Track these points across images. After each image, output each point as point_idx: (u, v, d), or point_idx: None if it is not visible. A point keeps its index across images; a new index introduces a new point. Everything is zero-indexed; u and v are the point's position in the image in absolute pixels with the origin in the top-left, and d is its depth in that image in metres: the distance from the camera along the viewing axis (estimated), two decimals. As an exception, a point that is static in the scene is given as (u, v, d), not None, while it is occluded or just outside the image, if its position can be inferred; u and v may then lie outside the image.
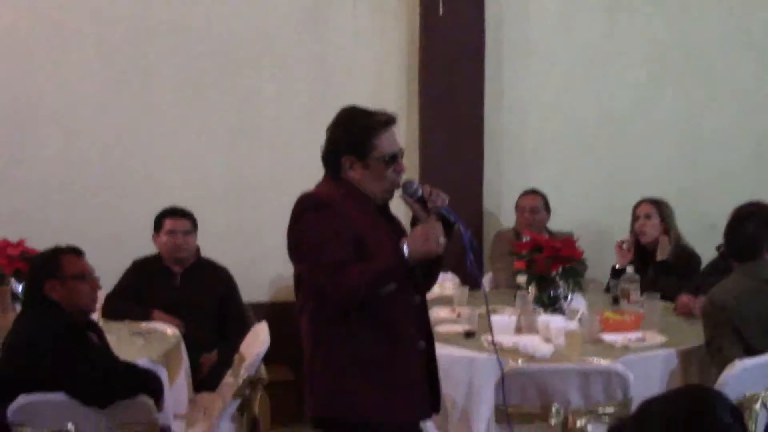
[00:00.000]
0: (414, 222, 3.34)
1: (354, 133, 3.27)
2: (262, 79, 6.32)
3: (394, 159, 3.29)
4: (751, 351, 4.08)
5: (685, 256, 5.73)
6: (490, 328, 3.70)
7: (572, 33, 6.77)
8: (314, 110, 6.23)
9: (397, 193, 3.36)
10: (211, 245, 5.74)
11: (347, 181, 3.28)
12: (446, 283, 5.57)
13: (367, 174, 3.27)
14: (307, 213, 3.20)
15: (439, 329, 4.49)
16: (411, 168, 6.40)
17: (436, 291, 5.35)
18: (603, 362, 3.99)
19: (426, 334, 3.39)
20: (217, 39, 6.25)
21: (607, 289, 5.68)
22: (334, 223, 3.15)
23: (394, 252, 3.11)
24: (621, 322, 4.57)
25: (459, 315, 4.88)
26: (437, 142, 6.39)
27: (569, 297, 4.81)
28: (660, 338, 4.43)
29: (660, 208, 5.86)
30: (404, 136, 6.41)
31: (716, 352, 4.15)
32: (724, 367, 3.99)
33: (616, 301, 5.18)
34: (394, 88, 6.47)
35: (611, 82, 6.85)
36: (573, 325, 4.43)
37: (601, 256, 6.06)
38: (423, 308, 3.40)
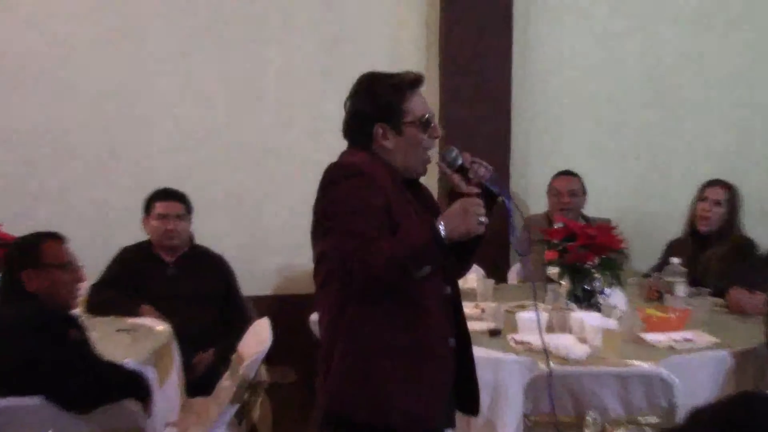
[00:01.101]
0: (451, 196, 3.27)
1: (383, 97, 3.23)
2: (266, 44, 6.30)
3: (428, 123, 3.24)
4: None
5: (741, 245, 5.67)
6: (540, 332, 3.66)
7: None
8: (323, 78, 6.23)
9: (434, 161, 3.32)
10: (205, 228, 5.74)
11: (374, 152, 3.24)
12: (469, 276, 5.53)
13: (402, 141, 3.23)
14: (335, 183, 3.14)
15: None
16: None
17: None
18: (645, 365, 3.96)
19: (458, 331, 3.32)
20: (212, 5, 6.23)
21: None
22: (366, 192, 3.08)
23: (427, 230, 3.02)
24: (665, 320, 4.53)
25: (483, 311, 4.85)
26: (459, 117, 6.36)
27: (607, 291, 4.78)
28: (709, 338, 4.39)
29: (732, 196, 5.75)
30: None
31: None
32: None
33: (659, 296, 5.14)
34: (412, 56, 6.46)
35: (656, 39, 6.78)
36: (611, 323, 4.40)
37: (642, 246, 6.03)
38: (455, 301, 3.34)
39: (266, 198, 6.30)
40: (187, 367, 5.05)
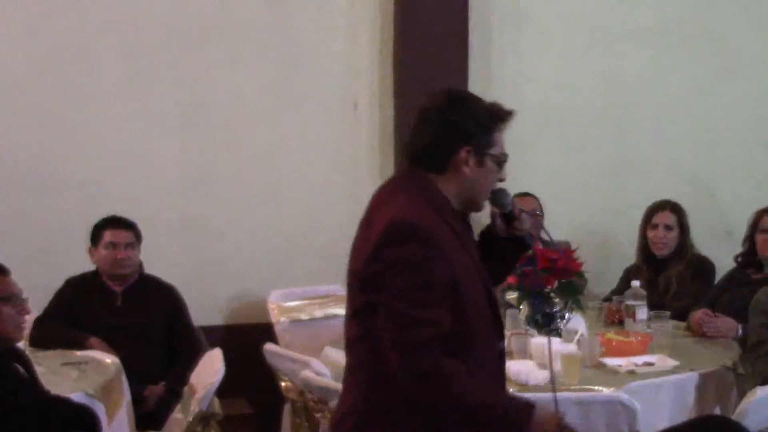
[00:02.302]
0: (485, 235, 3.26)
1: (480, 120, 3.05)
2: (215, 59, 6.28)
3: (504, 161, 3.10)
4: None
5: (697, 265, 5.76)
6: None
7: (572, 3, 6.77)
8: (276, 99, 6.23)
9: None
10: (156, 256, 5.74)
11: (434, 188, 3.02)
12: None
13: (481, 173, 3.05)
14: (398, 246, 2.88)
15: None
16: (387, 161, 6.42)
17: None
18: (606, 391, 4.00)
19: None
20: (164, 14, 6.21)
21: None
22: (435, 265, 2.87)
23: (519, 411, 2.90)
24: (626, 345, 4.59)
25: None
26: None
27: (567, 316, 4.81)
28: (671, 362, 4.45)
29: (681, 216, 5.85)
30: (377, 123, 6.43)
31: (762, 358, 4.25)
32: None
33: (620, 320, 5.19)
34: (367, 74, 6.46)
35: (617, 57, 6.84)
36: (571, 348, 4.43)
37: (604, 269, 6.09)
38: (503, 358, 3.19)
39: (218, 225, 6.28)
40: (137, 400, 5.03)
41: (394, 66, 6.44)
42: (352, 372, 3.06)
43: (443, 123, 3.04)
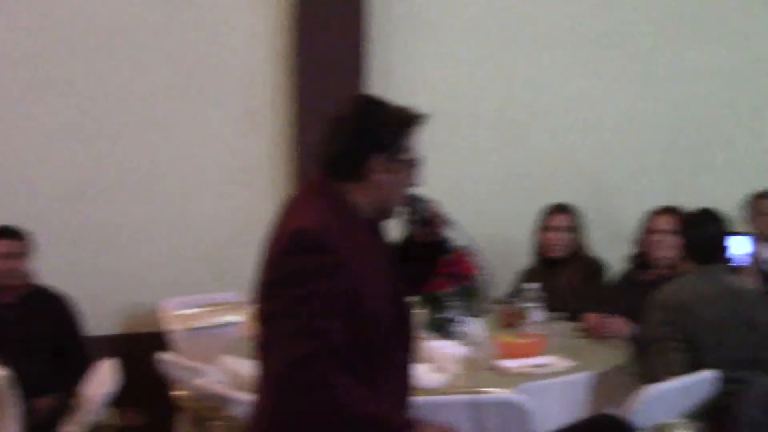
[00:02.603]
0: (404, 241, 3.26)
1: (391, 127, 3.05)
2: (112, 65, 6.21)
3: (416, 165, 3.12)
4: (695, 363, 4.39)
5: (590, 266, 5.85)
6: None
7: (468, 7, 6.82)
8: (172, 99, 6.19)
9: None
10: (49, 265, 5.66)
11: (344, 197, 3.02)
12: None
13: (392, 179, 3.05)
14: (299, 255, 2.88)
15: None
16: (285, 170, 6.40)
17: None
18: (500, 392, 4.03)
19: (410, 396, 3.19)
20: (62, 20, 6.13)
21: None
22: (333, 276, 2.84)
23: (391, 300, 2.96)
24: (521, 346, 4.64)
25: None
26: (315, 137, 6.34)
27: (464, 319, 4.86)
28: (565, 363, 4.51)
29: (575, 219, 5.95)
30: (275, 131, 6.42)
31: (659, 356, 4.35)
32: (659, 371, 4.30)
33: (516, 322, 5.24)
34: (263, 76, 6.43)
35: (514, 62, 6.91)
36: (468, 351, 4.47)
37: (504, 272, 6.16)
38: (409, 369, 3.17)
39: (112, 233, 6.21)
40: (28, 413, 4.96)
41: (292, 73, 6.44)
42: (263, 378, 3.02)
43: (355, 131, 3.04)
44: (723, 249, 4.78)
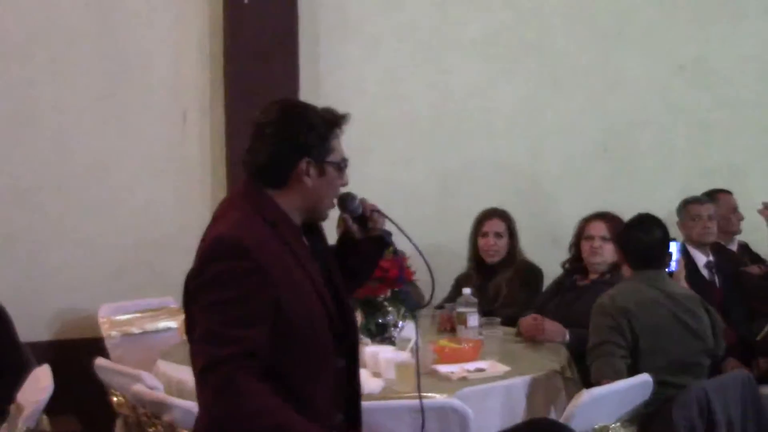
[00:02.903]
0: (345, 242, 3.29)
1: (316, 130, 3.05)
2: (39, 69, 6.14)
3: (344, 166, 3.13)
4: (634, 367, 4.49)
5: (525, 271, 5.90)
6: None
7: (399, 13, 6.85)
8: (102, 103, 6.14)
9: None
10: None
11: (271, 203, 3.03)
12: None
13: (322, 182, 3.05)
14: (218, 262, 2.90)
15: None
16: (218, 174, 6.39)
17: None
18: (438, 397, 4.06)
19: (348, 402, 3.16)
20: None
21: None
22: (254, 282, 2.86)
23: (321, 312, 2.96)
24: (458, 351, 4.67)
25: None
26: (246, 142, 6.32)
27: (400, 324, 4.88)
28: (502, 367, 4.54)
29: (509, 224, 5.99)
30: (207, 135, 6.40)
31: (601, 358, 4.46)
32: (607, 375, 4.40)
33: (452, 327, 5.27)
34: (195, 87, 6.42)
35: (445, 69, 6.96)
36: (404, 355, 4.49)
37: (439, 275, 6.18)
38: (349, 373, 3.15)
39: (44, 238, 6.14)
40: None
41: (224, 77, 6.42)
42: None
43: (279, 137, 3.04)
44: (663, 255, 4.85)
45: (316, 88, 6.60)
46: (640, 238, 4.78)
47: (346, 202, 3.21)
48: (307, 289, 3.00)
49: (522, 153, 7.12)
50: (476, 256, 6.02)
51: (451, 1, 6.96)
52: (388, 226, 3.37)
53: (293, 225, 3.06)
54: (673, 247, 5.12)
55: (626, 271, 4.93)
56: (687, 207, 6.28)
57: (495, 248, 5.92)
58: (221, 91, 6.42)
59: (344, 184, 3.15)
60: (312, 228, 3.19)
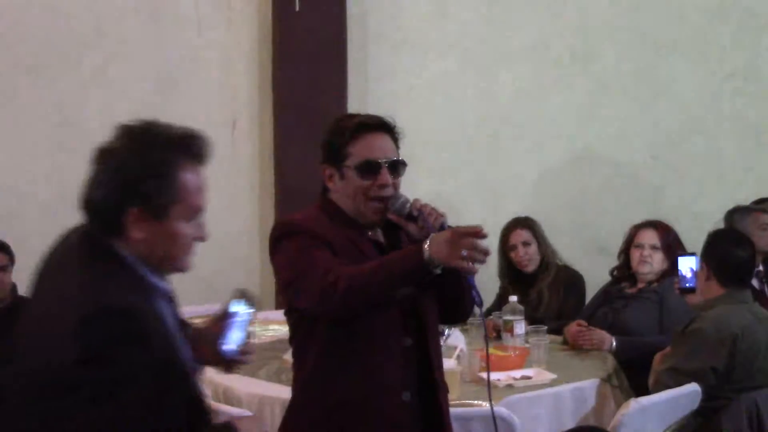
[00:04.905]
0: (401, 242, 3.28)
1: (331, 137, 3.20)
2: (89, 77, 6.20)
3: (370, 168, 3.16)
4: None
5: (567, 278, 5.86)
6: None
7: (447, 23, 6.88)
8: (151, 111, 6.15)
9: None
10: (28, 276, 5.62)
11: (332, 200, 3.20)
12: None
13: (343, 186, 3.17)
14: (279, 241, 3.15)
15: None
16: (266, 181, 6.41)
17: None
18: (485, 405, 4.04)
19: (421, 383, 3.20)
20: (39, 30, 6.12)
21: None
22: (310, 244, 3.06)
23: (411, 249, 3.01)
24: (504, 359, 4.66)
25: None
26: (295, 149, 6.37)
27: (446, 332, 4.87)
28: (548, 375, 4.53)
29: (535, 230, 5.93)
30: (257, 144, 6.43)
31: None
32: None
33: (498, 335, 5.25)
34: (244, 95, 6.46)
35: (493, 78, 6.97)
36: (451, 363, 4.48)
37: (484, 283, 6.17)
38: (421, 351, 3.21)
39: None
40: None
41: (272, 84, 6.45)
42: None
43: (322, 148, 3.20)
44: (752, 272, 4.72)
45: (364, 95, 6.62)
46: (736, 253, 4.56)
47: (392, 202, 3.20)
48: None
49: (569, 162, 7.09)
50: (511, 268, 5.95)
51: (499, 10, 6.96)
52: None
53: (349, 218, 3.19)
54: (693, 262, 4.77)
55: (708, 287, 4.63)
56: (754, 215, 6.03)
57: (527, 257, 5.85)
58: (270, 98, 6.45)
59: (381, 185, 3.18)
60: (391, 229, 3.25)
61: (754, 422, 4.25)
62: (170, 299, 2.63)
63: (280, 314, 3.86)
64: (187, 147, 2.65)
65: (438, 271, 2.93)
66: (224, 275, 5.95)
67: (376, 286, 2.96)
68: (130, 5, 6.31)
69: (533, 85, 7.03)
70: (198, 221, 2.70)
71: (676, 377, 4.38)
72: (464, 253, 2.90)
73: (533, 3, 7.03)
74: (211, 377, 4.65)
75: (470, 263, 2.93)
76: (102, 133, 6.20)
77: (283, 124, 6.44)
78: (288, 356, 4.82)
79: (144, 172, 2.52)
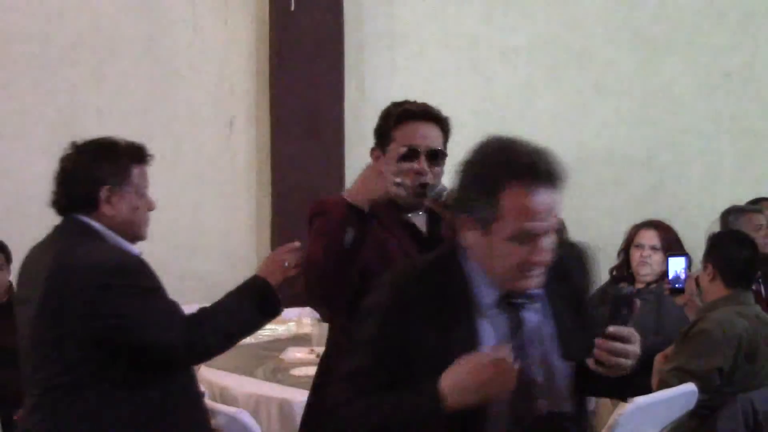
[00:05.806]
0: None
1: (380, 121, 3.40)
2: (85, 74, 6.20)
3: (410, 155, 3.30)
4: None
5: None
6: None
7: (445, 23, 6.89)
8: (148, 109, 6.19)
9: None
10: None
11: None
12: (303, 320, 5.57)
13: (386, 169, 3.28)
14: (312, 219, 3.26)
15: (295, 372, 4.52)
16: (263, 180, 6.41)
17: (291, 329, 5.36)
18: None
19: None
20: (35, 28, 6.11)
21: None
22: (329, 229, 3.12)
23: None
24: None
25: (318, 356, 4.87)
26: (291, 148, 6.39)
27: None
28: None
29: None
30: (254, 143, 6.43)
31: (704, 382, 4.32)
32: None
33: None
34: (241, 87, 6.46)
35: (489, 77, 6.98)
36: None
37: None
38: None
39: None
40: (7, 423, 4.93)
41: (269, 84, 6.44)
42: None
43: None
44: (755, 273, 4.70)
45: (361, 94, 6.62)
46: (741, 254, 4.55)
47: (430, 189, 3.27)
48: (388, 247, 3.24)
49: (566, 161, 7.07)
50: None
51: (496, 9, 6.97)
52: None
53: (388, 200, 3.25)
54: (680, 263, 4.86)
55: (712, 287, 4.61)
56: (748, 216, 6.03)
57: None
58: (267, 97, 6.44)
59: (418, 172, 3.30)
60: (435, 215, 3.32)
61: (750, 422, 4.24)
62: None
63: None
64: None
65: None
66: (220, 273, 5.94)
67: None
68: (127, 5, 6.29)
69: (530, 84, 7.02)
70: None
71: (681, 377, 4.37)
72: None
73: (530, 3, 7.04)
74: (209, 377, 4.66)
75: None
76: (100, 133, 6.25)
77: (280, 123, 6.43)
78: (285, 356, 4.83)
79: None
